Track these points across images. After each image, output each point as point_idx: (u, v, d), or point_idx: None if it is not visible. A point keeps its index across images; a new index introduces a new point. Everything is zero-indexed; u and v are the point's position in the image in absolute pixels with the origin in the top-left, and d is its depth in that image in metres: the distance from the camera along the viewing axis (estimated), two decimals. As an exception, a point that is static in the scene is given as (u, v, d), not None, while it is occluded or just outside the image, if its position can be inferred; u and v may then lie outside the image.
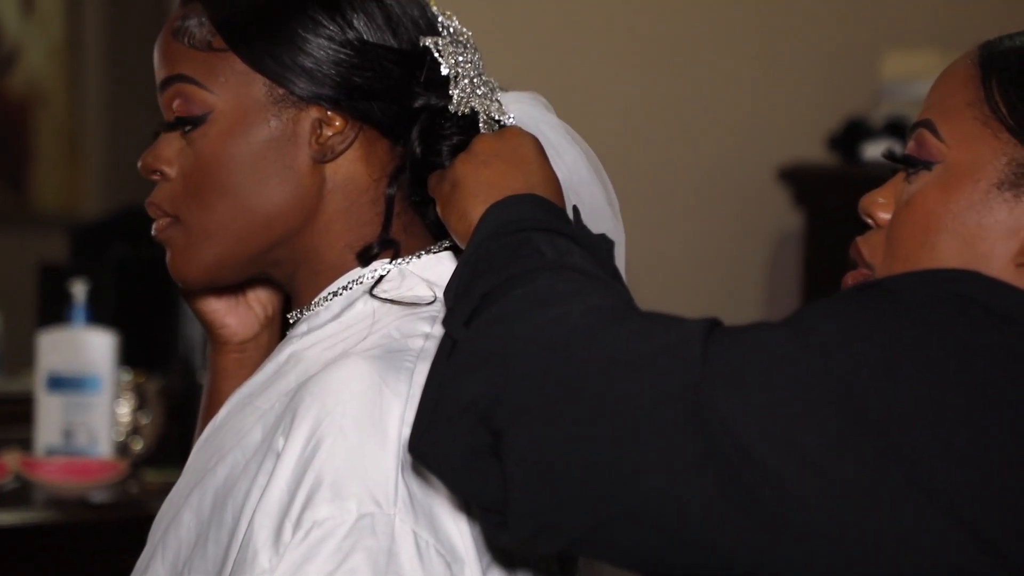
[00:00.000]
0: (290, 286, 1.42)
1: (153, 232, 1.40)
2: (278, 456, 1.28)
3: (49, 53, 4.85)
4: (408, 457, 1.25)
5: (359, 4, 1.36)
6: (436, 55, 1.37)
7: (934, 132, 1.27)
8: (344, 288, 1.38)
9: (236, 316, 1.48)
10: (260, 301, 1.49)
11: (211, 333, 1.49)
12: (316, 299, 1.39)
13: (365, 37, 1.35)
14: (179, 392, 3.19)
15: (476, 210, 1.28)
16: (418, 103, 1.37)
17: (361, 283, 1.38)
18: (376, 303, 1.36)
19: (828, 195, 3.39)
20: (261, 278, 1.44)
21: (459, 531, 1.27)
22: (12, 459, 2.91)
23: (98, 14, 4.83)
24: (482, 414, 1.15)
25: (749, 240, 3.59)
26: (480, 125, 1.38)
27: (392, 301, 1.36)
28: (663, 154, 3.51)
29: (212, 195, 1.36)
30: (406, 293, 1.36)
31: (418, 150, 1.37)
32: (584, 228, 1.31)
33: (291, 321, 1.42)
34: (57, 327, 3.03)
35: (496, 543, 1.28)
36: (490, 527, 1.19)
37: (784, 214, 3.55)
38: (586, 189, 1.42)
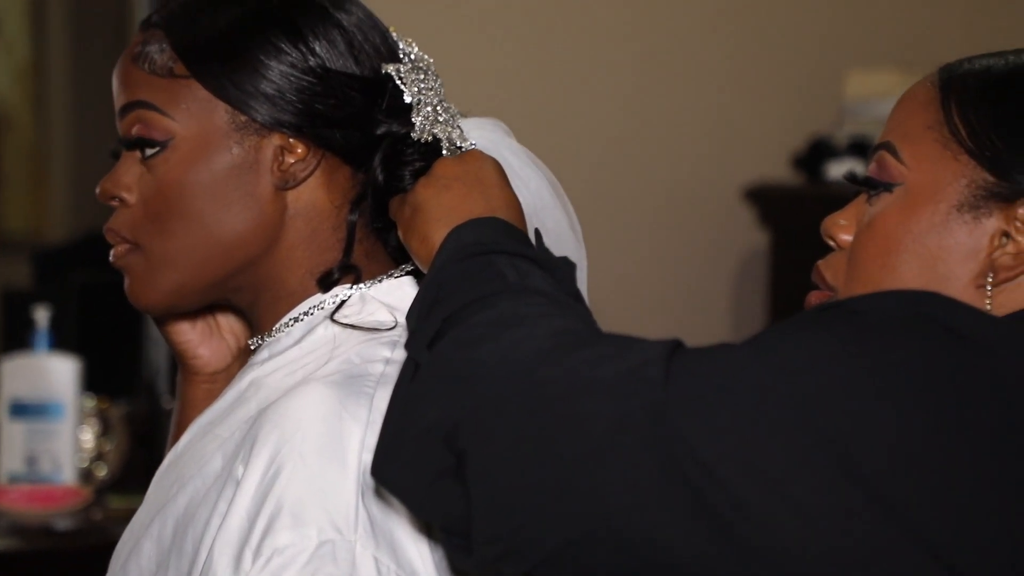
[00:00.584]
0: (251, 312, 1.41)
1: (112, 258, 1.39)
2: (238, 484, 1.27)
3: (14, 76, 4.84)
4: (369, 482, 1.25)
5: (321, 31, 1.36)
6: (398, 82, 1.37)
7: (895, 154, 1.28)
8: (305, 314, 1.38)
9: (209, 347, 1.47)
10: (233, 332, 1.48)
11: (183, 363, 1.48)
12: (277, 325, 1.38)
13: (327, 64, 1.35)
14: (143, 418, 3.18)
15: (438, 234, 1.28)
16: (380, 130, 1.36)
17: (322, 308, 1.37)
18: (337, 328, 1.36)
19: (793, 214, 3.40)
20: (231, 308, 1.44)
21: (420, 555, 1.27)
22: (-25, 487, 2.90)
23: (63, 37, 4.81)
24: (445, 437, 1.15)
25: (714, 260, 3.59)
26: (443, 152, 1.38)
27: (352, 326, 1.35)
28: (627, 174, 3.51)
29: (172, 222, 1.35)
30: (367, 318, 1.36)
31: (380, 177, 1.37)
32: (546, 250, 1.31)
33: (252, 348, 1.41)
34: (20, 353, 3.02)
35: (459, 566, 1.28)
36: (453, 550, 1.19)
37: (749, 233, 3.56)
38: (549, 214, 1.42)
